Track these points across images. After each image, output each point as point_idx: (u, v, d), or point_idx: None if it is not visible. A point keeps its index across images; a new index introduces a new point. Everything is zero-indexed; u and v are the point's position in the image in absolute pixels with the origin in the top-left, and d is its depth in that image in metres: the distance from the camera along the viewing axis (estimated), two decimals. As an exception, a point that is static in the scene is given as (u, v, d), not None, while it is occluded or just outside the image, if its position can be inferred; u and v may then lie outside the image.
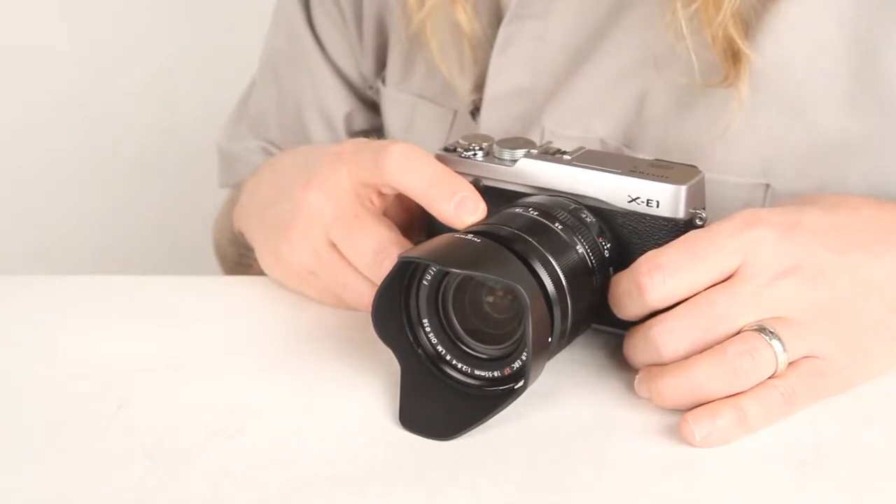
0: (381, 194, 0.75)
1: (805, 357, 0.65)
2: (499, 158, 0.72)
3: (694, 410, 0.63)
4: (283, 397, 0.68)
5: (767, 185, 0.80)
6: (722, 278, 0.65)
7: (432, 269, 0.65)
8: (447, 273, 0.66)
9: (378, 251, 0.72)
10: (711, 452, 0.62)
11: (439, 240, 0.66)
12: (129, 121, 1.69)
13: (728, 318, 0.64)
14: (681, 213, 0.69)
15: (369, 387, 0.68)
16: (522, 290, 0.61)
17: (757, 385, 0.64)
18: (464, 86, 0.90)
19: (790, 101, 0.79)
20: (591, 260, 0.68)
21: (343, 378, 0.69)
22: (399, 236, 0.73)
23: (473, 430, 0.63)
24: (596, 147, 0.84)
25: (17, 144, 1.68)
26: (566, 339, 0.66)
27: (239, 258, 0.91)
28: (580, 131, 0.85)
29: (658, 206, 0.69)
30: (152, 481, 0.60)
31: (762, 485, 0.60)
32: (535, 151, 0.72)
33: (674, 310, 0.65)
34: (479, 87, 0.90)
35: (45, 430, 0.65)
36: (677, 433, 0.63)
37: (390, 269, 0.66)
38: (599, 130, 0.84)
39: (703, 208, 0.69)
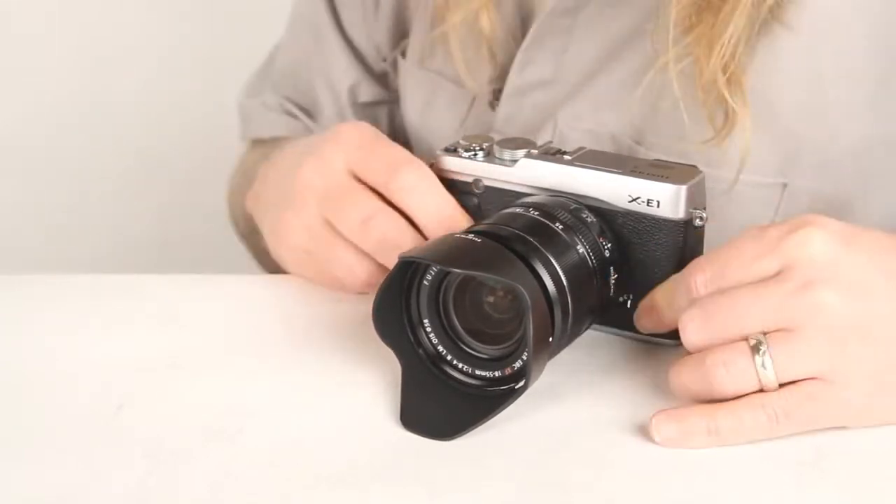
0: None
1: (810, 378, 0.62)
2: (499, 159, 0.72)
3: (663, 411, 0.63)
4: (283, 397, 0.68)
5: (784, 185, 0.79)
6: (766, 276, 0.63)
7: (433, 269, 0.65)
8: (448, 273, 0.66)
9: (366, 219, 0.73)
10: (711, 452, 0.62)
11: (440, 240, 0.66)
12: (129, 120, 1.69)
13: (742, 320, 0.62)
14: (681, 213, 0.69)
15: (370, 386, 0.68)
16: (523, 291, 0.61)
17: (743, 397, 0.62)
18: (480, 78, 0.90)
19: (812, 103, 0.78)
20: (591, 260, 0.68)
21: (343, 378, 0.69)
22: (387, 206, 0.73)
23: (474, 433, 0.63)
24: (606, 141, 0.84)
25: (17, 144, 1.68)
26: (567, 339, 0.66)
27: (253, 228, 0.93)
28: (592, 125, 0.85)
29: (658, 205, 0.69)
30: (152, 481, 0.60)
31: (762, 485, 0.60)
32: (535, 151, 0.72)
33: (703, 298, 0.64)
34: (499, 77, 0.90)
35: (45, 430, 0.65)
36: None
37: (377, 236, 0.67)
38: (612, 125, 0.84)
39: (704, 208, 0.69)
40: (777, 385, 0.62)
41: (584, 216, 0.69)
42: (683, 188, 0.68)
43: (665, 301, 0.68)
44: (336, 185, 0.75)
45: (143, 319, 0.77)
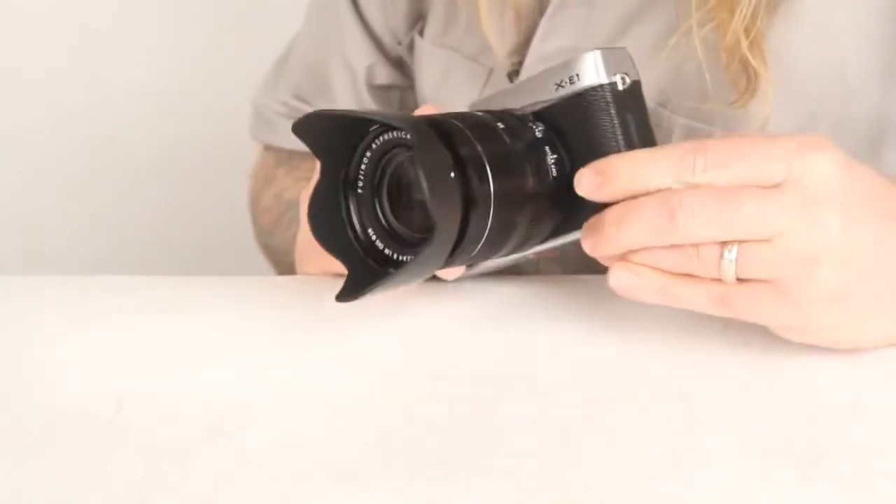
0: None
1: (763, 280, 0.62)
2: None
3: (623, 262, 0.64)
4: (283, 397, 0.68)
5: None
6: (760, 185, 0.62)
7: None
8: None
9: None
10: (711, 452, 0.62)
11: None
12: (131, 120, 1.69)
13: (743, 222, 0.62)
14: (603, 78, 0.68)
15: (369, 384, 0.68)
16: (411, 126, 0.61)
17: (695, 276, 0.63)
18: (503, 48, 0.91)
19: (828, 64, 0.79)
20: (517, 138, 0.67)
21: (343, 377, 0.69)
22: None
23: (474, 431, 0.63)
24: None
25: (19, 144, 1.68)
26: (506, 214, 0.65)
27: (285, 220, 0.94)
28: None
29: (579, 78, 0.68)
30: (152, 481, 0.60)
31: (762, 484, 0.60)
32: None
33: (704, 189, 0.62)
34: (518, 50, 0.91)
35: (45, 430, 0.65)
36: (679, 433, 0.63)
37: None
38: None
39: (627, 73, 0.68)
40: (734, 279, 0.62)
41: (517, 112, 0.69)
42: (598, 52, 0.68)
43: (626, 172, 0.65)
44: None
45: (143, 319, 0.77)
